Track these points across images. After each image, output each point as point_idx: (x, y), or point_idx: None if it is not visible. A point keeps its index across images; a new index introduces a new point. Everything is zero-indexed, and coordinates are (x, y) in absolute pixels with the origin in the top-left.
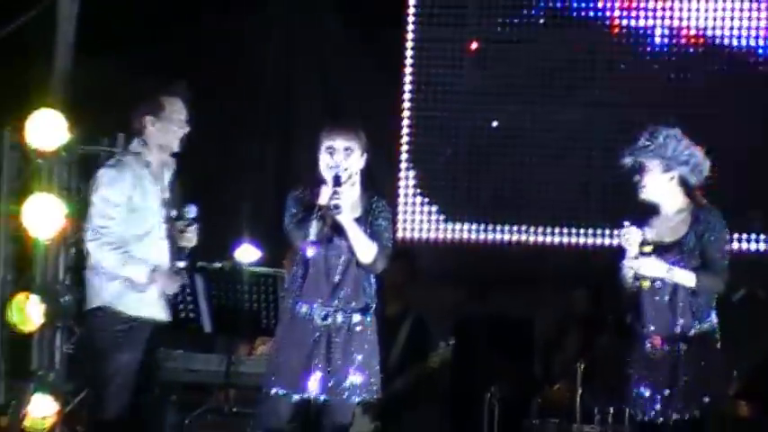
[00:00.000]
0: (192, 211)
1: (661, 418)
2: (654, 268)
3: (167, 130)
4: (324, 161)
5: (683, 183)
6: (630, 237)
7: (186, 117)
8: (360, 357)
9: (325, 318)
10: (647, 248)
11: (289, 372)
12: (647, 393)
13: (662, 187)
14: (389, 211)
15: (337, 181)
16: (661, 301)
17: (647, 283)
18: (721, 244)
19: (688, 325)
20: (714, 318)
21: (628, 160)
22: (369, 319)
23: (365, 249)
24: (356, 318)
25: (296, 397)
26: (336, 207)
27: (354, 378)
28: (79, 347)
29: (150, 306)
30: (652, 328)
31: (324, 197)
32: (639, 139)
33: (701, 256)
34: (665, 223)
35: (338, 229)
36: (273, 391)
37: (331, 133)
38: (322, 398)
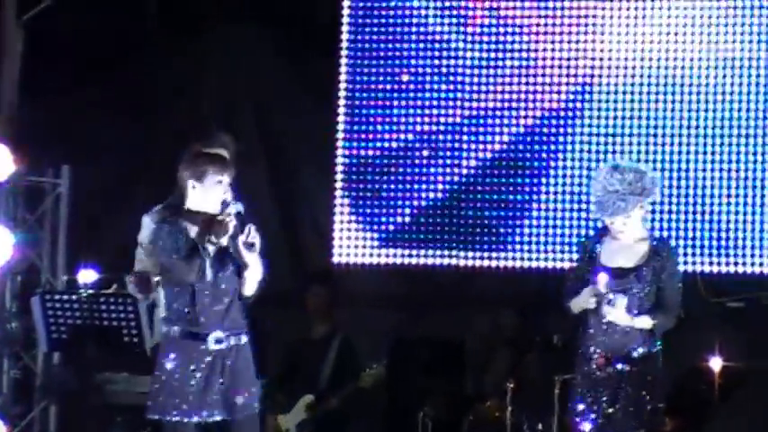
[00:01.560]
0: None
1: None
2: (621, 319)
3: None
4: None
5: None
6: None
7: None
8: (247, 374)
9: (218, 342)
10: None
11: (186, 397)
12: (589, 411)
13: (640, 221)
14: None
15: (240, 217)
16: (615, 327)
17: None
18: (677, 281)
19: (633, 347)
20: (659, 341)
21: (611, 218)
22: (247, 338)
23: (256, 282)
24: (243, 339)
25: (196, 420)
26: (252, 245)
27: (247, 393)
28: None
29: None
30: (599, 349)
31: (201, 236)
32: (614, 198)
33: (657, 291)
34: (625, 249)
35: (221, 260)
36: (174, 419)
37: (218, 167)
38: (220, 418)
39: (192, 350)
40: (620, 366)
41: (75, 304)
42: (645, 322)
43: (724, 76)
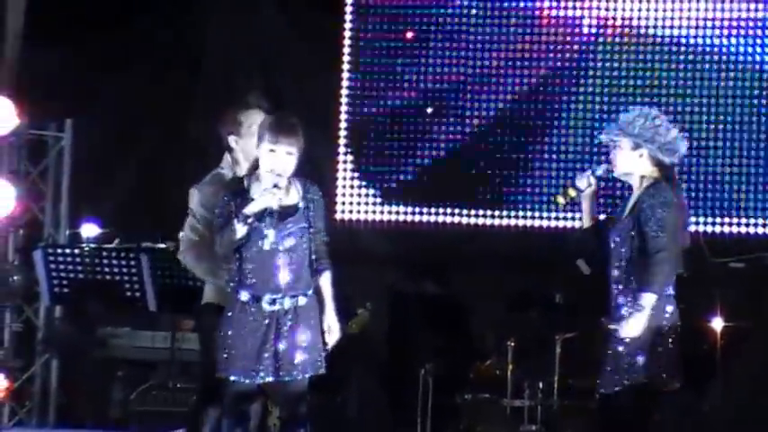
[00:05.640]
0: None
1: (601, 391)
2: (637, 326)
3: (251, 144)
4: (267, 162)
5: (656, 161)
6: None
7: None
8: (305, 337)
9: (272, 303)
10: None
11: (242, 359)
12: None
13: (632, 164)
14: (321, 196)
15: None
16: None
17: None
18: (653, 222)
19: (623, 308)
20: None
21: (603, 138)
22: (311, 299)
23: None
24: (302, 300)
25: (251, 381)
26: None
27: (302, 357)
28: None
29: None
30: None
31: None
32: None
33: (641, 242)
34: (626, 200)
35: (273, 221)
36: (231, 378)
37: (278, 136)
38: (272, 379)
39: (248, 312)
40: (612, 326)
41: (78, 258)
42: (647, 300)
43: (729, 36)
